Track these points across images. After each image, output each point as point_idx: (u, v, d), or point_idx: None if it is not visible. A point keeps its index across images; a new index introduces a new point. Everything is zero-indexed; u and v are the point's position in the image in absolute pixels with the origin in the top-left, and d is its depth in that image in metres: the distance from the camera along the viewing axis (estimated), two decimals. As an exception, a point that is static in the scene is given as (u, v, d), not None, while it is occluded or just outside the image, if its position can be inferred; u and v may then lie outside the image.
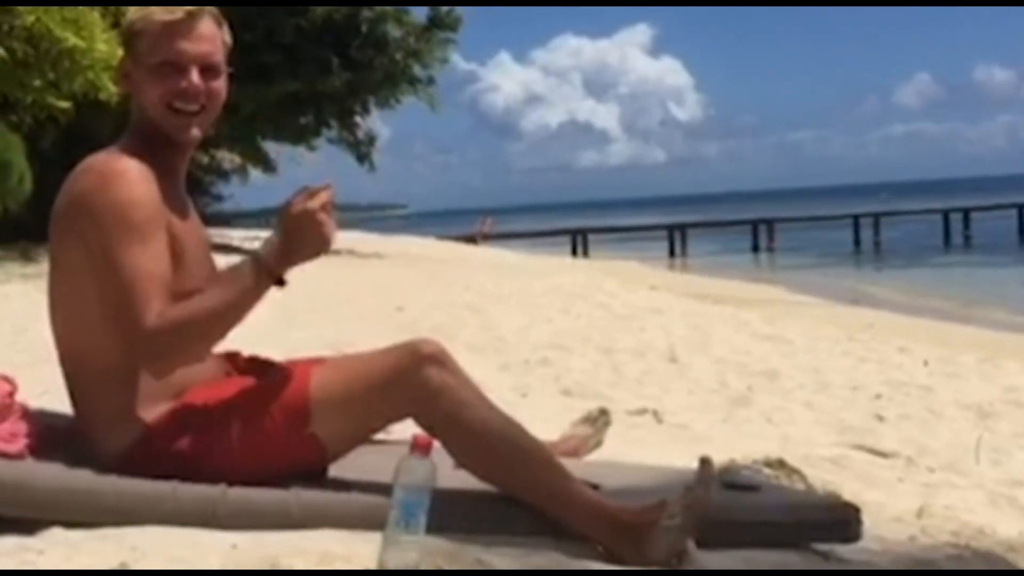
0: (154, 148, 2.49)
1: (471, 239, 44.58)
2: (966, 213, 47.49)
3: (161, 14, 2.49)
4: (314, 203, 2.34)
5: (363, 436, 2.56)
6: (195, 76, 2.50)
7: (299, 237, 2.35)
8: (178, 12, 2.49)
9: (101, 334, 2.41)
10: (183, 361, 2.40)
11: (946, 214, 46.12)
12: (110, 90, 14.75)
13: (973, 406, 5.93)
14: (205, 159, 27.94)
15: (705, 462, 2.51)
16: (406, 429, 2.50)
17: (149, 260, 2.35)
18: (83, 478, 2.42)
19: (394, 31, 26.64)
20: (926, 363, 8.10)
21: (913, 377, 7.15)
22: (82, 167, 2.47)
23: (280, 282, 2.37)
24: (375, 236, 31.49)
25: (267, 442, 2.45)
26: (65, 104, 14.79)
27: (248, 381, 2.57)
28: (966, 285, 24.27)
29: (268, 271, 2.35)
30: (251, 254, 2.38)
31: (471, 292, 13.67)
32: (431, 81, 27.70)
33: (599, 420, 3.43)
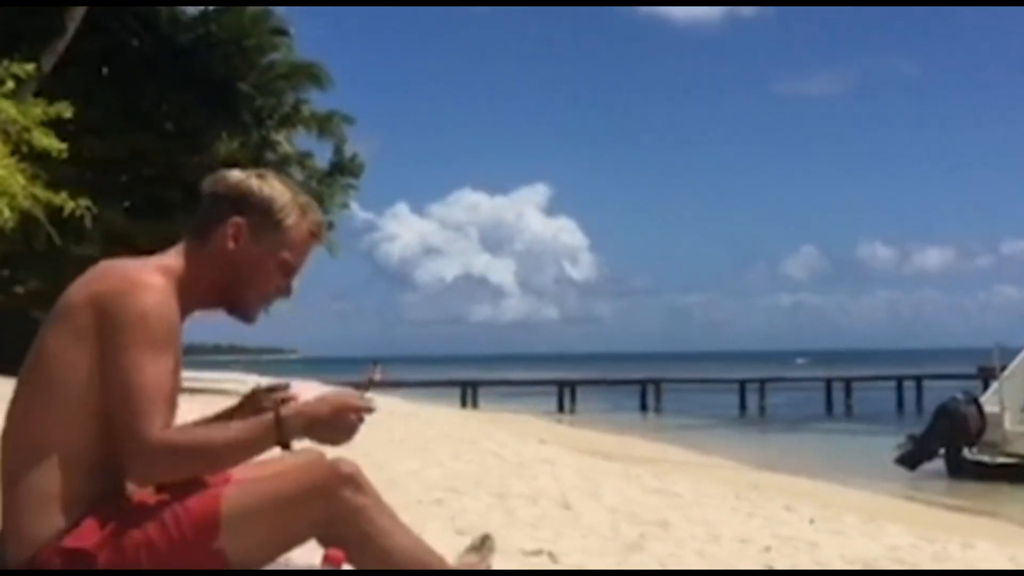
0: (187, 289, 2.58)
1: (361, 386, 44.16)
2: (848, 383, 48.73)
3: (311, 223, 2.71)
4: (356, 414, 2.57)
5: (273, 554, 2.52)
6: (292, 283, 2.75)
7: (332, 429, 2.54)
8: (322, 233, 2.76)
9: (73, 427, 2.43)
10: (167, 480, 2.47)
11: (828, 383, 47.28)
12: (4, 215, 14.60)
13: (858, 560, 6.04)
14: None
15: None
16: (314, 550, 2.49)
17: (160, 374, 2.43)
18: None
19: (297, 174, 26.90)
20: (812, 521, 8.24)
21: (800, 533, 7.26)
22: (105, 268, 2.55)
23: (286, 446, 2.51)
24: (260, 378, 31.10)
25: (172, 555, 2.41)
26: (-43, 227, 14.60)
27: (166, 494, 2.55)
28: (847, 451, 24.82)
29: (284, 440, 2.50)
30: (276, 416, 2.50)
31: (362, 436, 13.53)
32: (331, 226, 27.92)
33: (484, 547, 3.45)
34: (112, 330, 2.42)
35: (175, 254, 2.64)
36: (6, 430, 2.54)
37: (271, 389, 2.83)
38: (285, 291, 2.72)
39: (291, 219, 2.67)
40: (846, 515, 9.32)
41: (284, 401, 2.76)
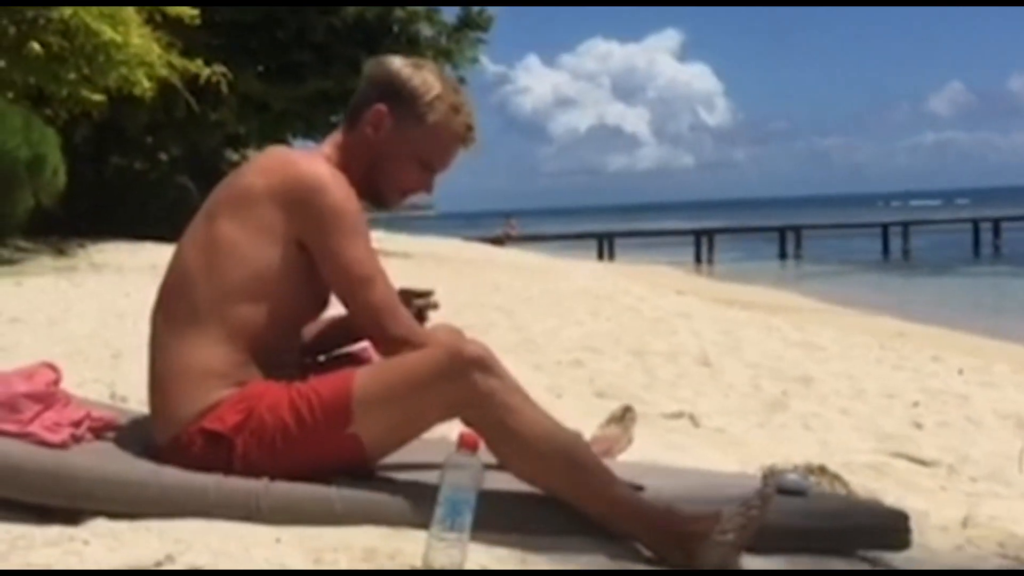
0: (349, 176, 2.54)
1: (497, 240, 44.48)
2: (996, 223, 47.14)
3: (460, 124, 2.62)
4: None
5: (407, 438, 2.51)
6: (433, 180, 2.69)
7: None
8: (470, 137, 2.65)
9: (237, 308, 2.45)
10: None
11: (976, 224, 45.76)
12: (144, 85, 14.82)
13: (1012, 415, 5.84)
14: (235, 156, 28.01)
15: (768, 477, 2.46)
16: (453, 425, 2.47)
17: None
18: (127, 469, 2.41)
19: (426, 30, 26.66)
20: (961, 372, 8.01)
21: (949, 385, 7.06)
22: (281, 160, 2.54)
23: None
24: (402, 236, 31.42)
25: (307, 440, 2.42)
26: (99, 98, 14.85)
27: (300, 379, 2.54)
28: (996, 296, 24.12)
29: None
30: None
31: (499, 293, 13.64)
32: (461, 81, 27.65)
33: (625, 418, 3.42)
34: (321, 229, 2.44)
35: (330, 145, 2.62)
36: (161, 300, 2.56)
37: (418, 294, 2.82)
38: (425, 187, 2.66)
39: (436, 115, 2.58)
40: (997, 364, 9.04)
41: (427, 308, 2.78)
